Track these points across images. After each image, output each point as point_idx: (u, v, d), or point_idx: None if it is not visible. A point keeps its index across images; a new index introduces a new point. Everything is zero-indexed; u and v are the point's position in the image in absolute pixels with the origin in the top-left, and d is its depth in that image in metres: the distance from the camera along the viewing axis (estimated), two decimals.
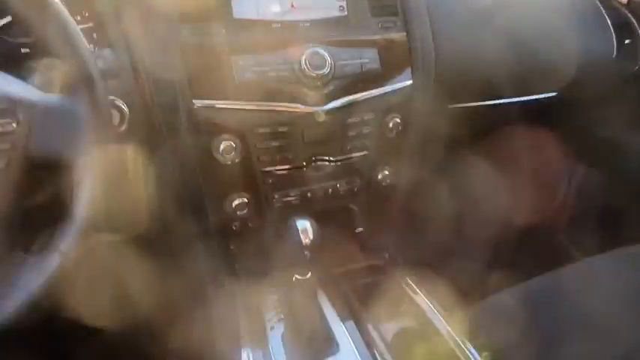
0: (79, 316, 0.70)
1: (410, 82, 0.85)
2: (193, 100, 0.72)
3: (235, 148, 0.76)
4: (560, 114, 1.22)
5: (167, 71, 0.71)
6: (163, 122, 0.73)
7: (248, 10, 0.77)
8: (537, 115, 1.16)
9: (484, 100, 1.02)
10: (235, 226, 0.88)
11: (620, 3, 1.12)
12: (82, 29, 0.66)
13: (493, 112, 1.06)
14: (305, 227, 0.71)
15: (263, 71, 0.74)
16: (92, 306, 0.72)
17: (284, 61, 0.75)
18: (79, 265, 0.76)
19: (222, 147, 0.75)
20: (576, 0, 1.11)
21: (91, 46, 0.70)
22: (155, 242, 0.90)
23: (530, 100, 1.10)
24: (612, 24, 1.11)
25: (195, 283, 0.83)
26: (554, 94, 1.11)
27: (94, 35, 0.71)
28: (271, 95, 0.75)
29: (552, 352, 0.76)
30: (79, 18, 0.71)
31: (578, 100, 1.17)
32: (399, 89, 0.84)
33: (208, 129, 0.74)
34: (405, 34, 0.86)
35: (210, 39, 0.73)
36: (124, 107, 0.71)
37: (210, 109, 0.73)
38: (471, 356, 0.78)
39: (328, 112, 0.78)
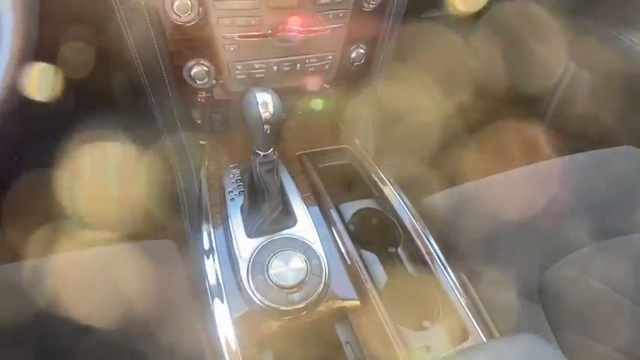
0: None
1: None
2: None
3: (192, 6, 0.69)
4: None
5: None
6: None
7: None
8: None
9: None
10: (201, 97, 0.84)
11: None
12: None
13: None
14: (265, 100, 0.68)
15: None
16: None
17: None
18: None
19: (176, 3, 0.69)
20: None
21: None
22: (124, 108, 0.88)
23: None
24: None
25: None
26: None
27: None
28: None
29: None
30: None
31: None
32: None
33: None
34: None
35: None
36: None
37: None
38: (424, 239, 0.80)
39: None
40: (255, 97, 0.68)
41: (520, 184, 0.92)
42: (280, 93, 0.71)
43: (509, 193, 0.90)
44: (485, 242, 0.83)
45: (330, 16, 0.78)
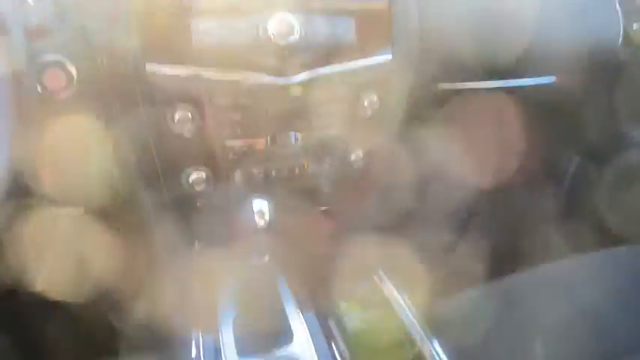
0: (42, 290, 0.68)
1: (389, 57, 0.80)
2: (146, 65, 0.67)
3: (192, 118, 0.71)
4: (557, 101, 1.16)
5: (118, 32, 0.66)
6: (113, 88, 0.68)
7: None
8: (532, 101, 1.10)
9: (473, 81, 0.96)
10: (199, 202, 0.84)
11: None
12: None
13: (483, 95, 1.00)
14: (261, 208, 0.67)
15: (224, 36, 0.69)
16: (54, 279, 0.69)
17: (248, 27, 0.70)
18: (41, 238, 0.73)
19: (177, 117, 0.70)
20: None
21: None
22: (114, 215, 0.86)
23: (526, 84, 1.03)
24: (620, 8, 1.04)
25: (155, 255, 0.80)
26: (551, 79, 1.05)
27: None
28: (233, 63, 0.70)
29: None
30: None
31: (577, 88, 1.10)
32: (377, 65, 0.79)
33: (162, 97, 0.69)
34: (387, 5, 0.79)
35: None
36: (72, 68, 0.66)
37: (164, 76, 0.68)
38: (435, 355, 0.74)
39: (296, 85, 0.73)
40: (252, 205, 0.67)
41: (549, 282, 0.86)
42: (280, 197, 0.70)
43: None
44: None
45: (328, 121, 0.79)
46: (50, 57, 0.65)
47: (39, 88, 0.65)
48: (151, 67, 0.67)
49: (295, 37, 0.70)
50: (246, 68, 0.71)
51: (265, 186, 0.79)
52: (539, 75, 1.03)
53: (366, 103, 0.80)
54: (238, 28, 0.70)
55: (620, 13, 1.05)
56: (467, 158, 1.21)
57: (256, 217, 0.66)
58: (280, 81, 0.72)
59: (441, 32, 0.86)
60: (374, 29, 0.79)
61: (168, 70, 0.68)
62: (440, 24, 0.86)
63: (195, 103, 0.71)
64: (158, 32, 0.67)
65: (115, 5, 0.66)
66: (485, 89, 1.00)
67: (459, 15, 0.88)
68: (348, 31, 0.76)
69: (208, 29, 0.68)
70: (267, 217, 0.67)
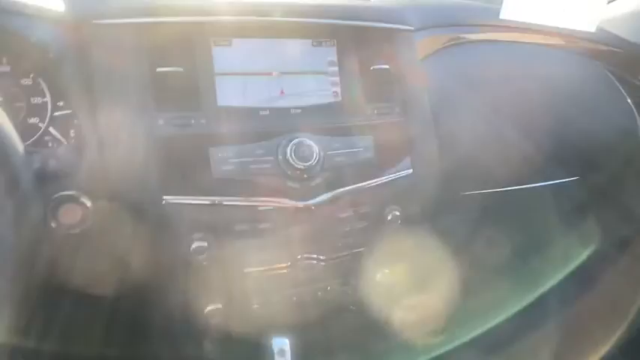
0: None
1: (410, 171, 0.78)
2: (163, 197, 0.66)
3: (209, 247, 0.68)
4: (584, 197, 1.13)
5: (136, 165, 0.66)
6: (128, 219, 0.67)
7: (234, 97, 0.72)
8: (559, 199, 1.06)
9: (496, 188, 0.93)
10: (214, 335, 0.78)
11: None
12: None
13: (507, 199, 0.97)
14: (282, 348, 0.62)
15: (243, 163, 0.68)
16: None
17: (267, 152, 0.69)
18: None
19: (193, 246, 0.67)
20: (592, 79, 1.05)
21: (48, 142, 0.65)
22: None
23: (550, 184, 1.01)
24: (633, 102, 1.04)
25: None
26: (575, 178, 1.02)
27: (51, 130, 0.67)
28: (252, 189, 0.69)
29: None
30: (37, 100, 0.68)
31: (602, 184, 1.07)
32: (398, 179, 0.77)
33: (179, 227, 0.67)
34: (403, 119, 0.80)
35: (189, 129, 0.68)
36: (87, 202, 0.65)
37: (182, 206, 0.66)
38: None
39: (316, 206, 0.71)
40: (271, 344, 0.62)
41: None
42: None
43: None
44: None
45: (351, 240, 0.76)
46: (65, 193, 0.64)
47: (53, 224, 0.64)
48: (168, 198, 0.66)
49: (315, 159, 0.69)
50: (266, 193, 0.69)
51: (286, 315, 0.74)
52: (561, 176, 1.01)
53: (389, 218, 0.78)
54: (257, 153, 0.69)
55: (632, 105, 1.05)
56: (493, 258, 1.16)
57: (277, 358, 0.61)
58: (301, 204, 0.70)
59: (460, 141, 0.86)
60: (392, 144, 0.78)
61: (186, 200, 0.66)
62: (458, 133, 0.86)
63: (214, 230, 0.69)
64: (176, 163, 0.67)
65: (133, 140, 0.66)
66: (508, 192, 0.97)
67: (477, 125, 0.88)
68: (367, 148, 0.75)
69: (227, 157, 0.68)
70: (288, 357, 0.61)
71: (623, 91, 1.03)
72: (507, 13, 0.93)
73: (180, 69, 0.68)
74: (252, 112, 0.73)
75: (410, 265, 0.83)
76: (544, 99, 0.96)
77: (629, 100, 1.04)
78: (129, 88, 0.67)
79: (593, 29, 0.96)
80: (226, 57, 0.73)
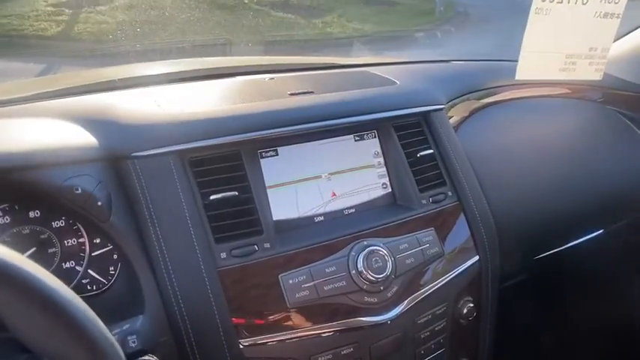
0: None
1: (476, 257, 0.76)
2: (240, 341, 0.60)
3: None
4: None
5: (202, 309, 0.60)
6: None
7: (288, 208, 0.69)
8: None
9: (544, 251, 0.92)
10: None
11: None
12: None
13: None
14: None
15: (317, 286, 0.64)
16: None
17: (338, 268, 0.65)
18: None
19: None
20: (607, 124, 1.07)
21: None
22: None
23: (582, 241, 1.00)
24: None
25: None
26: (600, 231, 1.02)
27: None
28: (330, 313, 0.64)
29: None
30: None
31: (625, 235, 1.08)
32: (467, 269, 0.75)
33: None
34: (458, 203, 0.78)
35: (254, 257, 0.63)
36: None
37: (262, 347, 0.61)
38: None
39: (397, 318, 0.67)
40: None
41: None
42: None
43: None
44: None
45: (431, 344, 0.72)
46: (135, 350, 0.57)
47: None
48: (245, 341, 0.60)
49: (390, 269, 0.66)
50: (345, 315, 0.65)
51: None
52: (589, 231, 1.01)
53: (465, 312, 0.75)
54: (329, 272, 0.65)
55: None
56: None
57: None
58: (383, 318, 0.66)
59: (511, 206, 0.85)
60: (454, 232, 0.76)
61: (264, 340, 0.61)
62: (507, 198, 0.85)
63: None
64: (247, 299, 0.62)
65: (195, 280, 0.61)
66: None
67: (520, 194, 0.87)
68: (432, 243, 0.73)
69: (299, 282, 0.63)
70: None
71: (637, 130, 1.06)
72: (522, 75, 0.94)
73: (235, 192, 0.64)
74: (307, 222, 0.69)
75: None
76: (571, 150, 0.98)
77: None
78: (180, 221, 0.61)
79: (599, 78, 0.99)
80: (276, 168, 0.69)
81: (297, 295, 0.63)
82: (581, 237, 0.95)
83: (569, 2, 0.92)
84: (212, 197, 0.63)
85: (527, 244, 0.87)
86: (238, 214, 0.64)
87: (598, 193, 0.97)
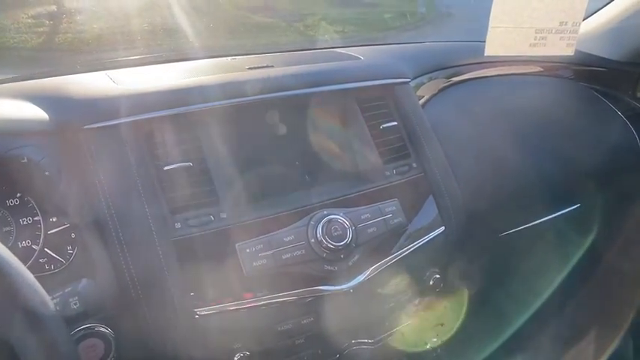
0: None
1: (442, 228, 0.76)
2: (195, 310, 0.60)
3: (252, 356, 0.62)
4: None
5: (157, 279, 0.60)
6: (160, 343, 0.60)
7: (246, 179, 0.69)
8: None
9: (513, 227, 0.92)
10: None
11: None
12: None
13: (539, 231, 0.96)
14: None
15: (275, 255, 0.64)
16: None
17: (297, 237, 0.65)
18: None
19: (236, 359, 0.61)
20: (582, 101, 1.09)
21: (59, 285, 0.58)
22: None
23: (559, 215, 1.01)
24: (626, 116, 1.08)
25: None
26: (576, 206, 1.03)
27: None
28: (289, 281, 0.64)
29: None
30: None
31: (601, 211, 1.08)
32: (432, 240, 0.75)
33: (218, 341, 0.61)
34: (423, 174, 0.78)
35: (209, 226, 0.63)
36: (111, 334, 0.58)
37: (218, 316, 0.61)
38: None
39: (358, 286, 0.67)
40: None
41: None
42: None
43: None
44: None
45: (397, 315, 0.72)
46: (85, 326, 0.57)
47: None
48: (201, 310, 0.60)
49: (349, 236, 0.66)
50: (304, 283, 0.65)
51: None
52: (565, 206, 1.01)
53: (431, 283, 0.75)
54: (287, 240, 0.65)
55: (626, 119, 1.09)
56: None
57: None
58: (343, 287, 0.66)
59: (479, 182, 0.85)
60: (418, 203, 0.77)
61: (221, 308, 0.61)
62: (474, 174, 0.86)
63: (255, 336, 0.63)
64: (203, 269, 0.62)
65: (150, 251, 0.61)
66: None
67: (487, 161, 0.88)
68: (395, 213, 0.73)
69: (257, 251, 0.63)
70: None
71: (613, 107, 1.07)
72: (491, 50, 0.95)
73: (189, 163, 0.64)
74: (267, 192, 0.70)
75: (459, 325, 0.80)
76: (542, 127, 0.98)
77: (620, 115, 1.07)
78: (133, 193, 0.62)
79: (571, 53, 1.00)
80: (234, 139, 0.70)
81: (254, 264, 0.63)
82: (554, 213, 0.96)
83: None
84: (166, 168, 0.63)
85: (494, 220, 0.87)
86: (194, 185, 0.64)
87: (571, 169, 0.98)
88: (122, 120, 0.63)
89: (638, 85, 1.13)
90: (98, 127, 0.63)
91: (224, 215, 0.64)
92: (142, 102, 0.65)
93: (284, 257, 0.64)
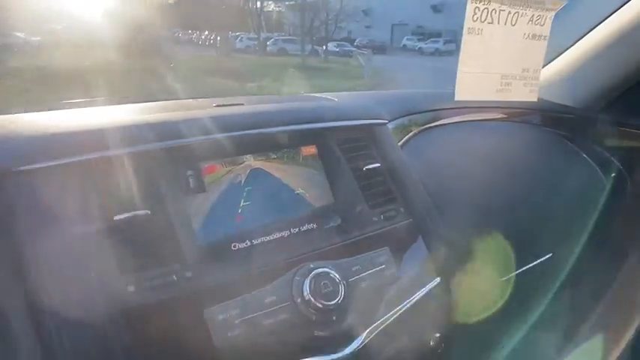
0: None
1: (437, 280, 0.68)
2: None
3: None
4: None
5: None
6: None
7: (215, 230, 0.58)
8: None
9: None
10: None
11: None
12: None
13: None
14: None
15: (254, 320, 0.53)
16: None
17: (280, 298, 0.55)
18: None
19: None
20: (551, 149, 1.08)
21: None
22: None
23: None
24: (594, 161, 1.08)
25: None
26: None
27: None
28: (272, 354, 0.53)
29: None
30: None
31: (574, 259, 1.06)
32: (430, 291, 0.66)
33: None
34: (412, 219, 0.71)
35: (171, 288, 0.51)
36: None
37: None
38: None
39: (354, 354, 0.56)
40: None
41: None
42: None
43: None
44: None
45: None
46: None
47: None
48: None
49: (341, 294, 0.56)
50: (286, 356, 0.53)
51: None
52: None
53: (432, 344, 0.65)
54: (268, 302, 0.54)
55: (594, 165, 1.09)
56: None
57: None
58: (336, 358, 0.55)
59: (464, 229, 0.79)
60: (411, 252, 0.69)
61: None
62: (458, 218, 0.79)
63: None
64: (164, 343, 0.49)
65: (95, 320, 0.48)
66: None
67: (470, 214, 0.83)
68: (388, 264, 0.65)
69: (231, 317, 0.52)
70: None
71: (581, 152, 1.08)
72: (460, 95, 0.94)
73: (147, 211, 0.53)
74: (239, 245, 0.59)
75: None
76: (513, 174, 0.96)
77: (587, 159, 1.08)
78: (71, 248, 0.50)
79: (535, 99, 1.01)
80: (198, 184, 0.59)
81: (228, 334, 0.51)
82: (530, 263, 0.91)
83: (499, 22, 0.95)
84: (116, 217, 0.52)
85: None
86: (151, 237, 0.53)
87: (543, 216, 0.95)
88: (58, 162, 0.52)
89: (600, 131, 1.16)
90: (30, 169, 0.51)
91: (189, 274, 0.53)
92: (86, 140, 0.55)
93: (265, 323, 0.53)
